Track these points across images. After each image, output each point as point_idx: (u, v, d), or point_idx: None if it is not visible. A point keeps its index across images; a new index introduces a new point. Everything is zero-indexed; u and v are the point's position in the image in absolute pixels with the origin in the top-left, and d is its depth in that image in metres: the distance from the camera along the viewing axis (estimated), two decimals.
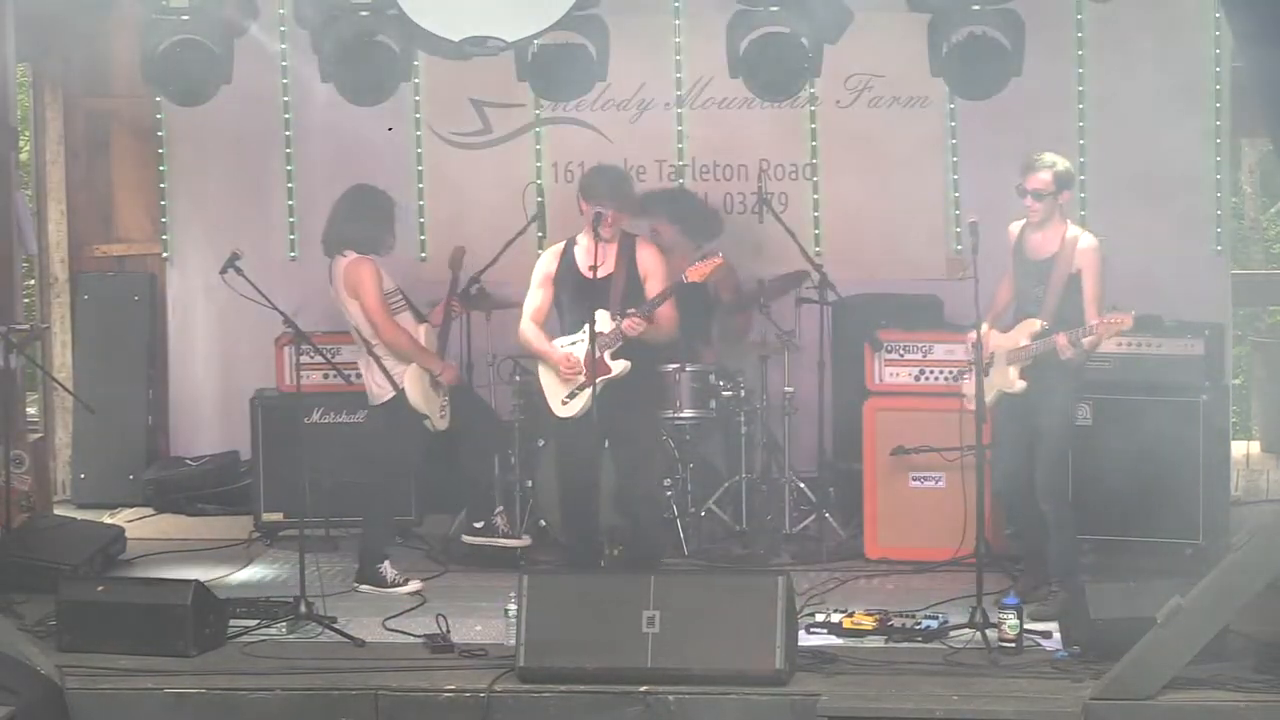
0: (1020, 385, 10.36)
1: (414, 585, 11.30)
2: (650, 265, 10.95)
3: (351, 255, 11.26)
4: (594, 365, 10.69)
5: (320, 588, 10.63)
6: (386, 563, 11.39)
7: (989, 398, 10.50)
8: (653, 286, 10.90)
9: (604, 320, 10.80)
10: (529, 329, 11.06)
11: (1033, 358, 10.39)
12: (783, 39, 11.09)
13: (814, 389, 12.18)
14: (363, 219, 11.36)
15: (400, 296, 11.42)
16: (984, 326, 10.38)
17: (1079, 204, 13.05)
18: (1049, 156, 10.50)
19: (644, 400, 11.07)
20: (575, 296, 10.90)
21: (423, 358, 11.32)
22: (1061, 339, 10.29)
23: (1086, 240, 10.45)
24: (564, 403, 10.91)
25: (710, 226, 12.70)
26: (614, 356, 10.80)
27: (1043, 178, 10.42)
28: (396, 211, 11.52)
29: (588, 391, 10.76)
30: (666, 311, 10.87)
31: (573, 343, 10.91)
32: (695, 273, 10.89)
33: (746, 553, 12.00)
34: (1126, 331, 11.57)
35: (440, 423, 11.40)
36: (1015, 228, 10.64)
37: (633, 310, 10.77)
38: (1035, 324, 10.41)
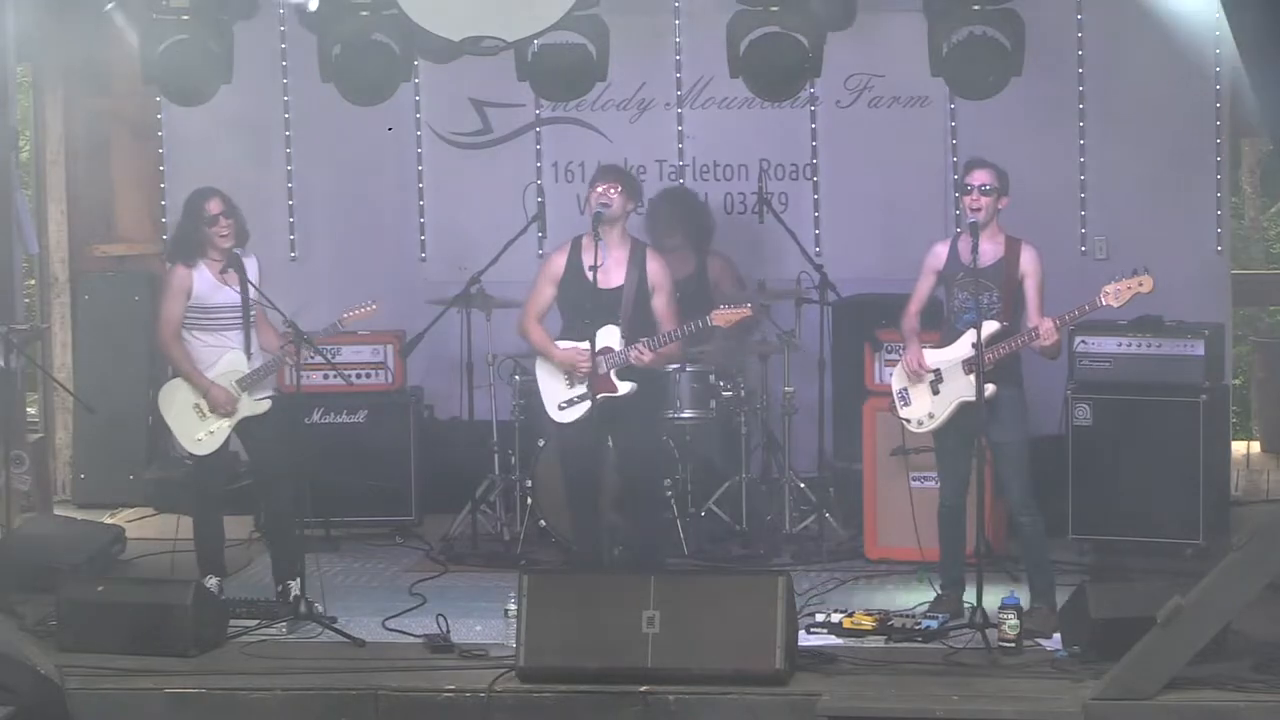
0: (991, 389, 10.29)
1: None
2: (659, 277, 10.90)
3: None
4: (594, 380, 10.67)
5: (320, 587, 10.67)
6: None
7: (949, 411, 10.47)
8: (659, 299, 10.85)
9: (612, 335, 10.75)
10: (535, 326, 10.98)
11: (1003, 359, 10.32)
12: (783, 39, 11.08)
13: (814, 389, 12.18)
14: (177, 230, 11.06)
15: (223, 313, 10.86)
16: (988, 327, 10.34)
17: (1079, 204, 13.09)
18: (987, 160, 10.50)
19: (646, 404, 11.03)
20: (582, 303, 10.80)
21: (192, 377, 10.84)
22: (1048, 324, 10.23)
23: (1031, 247, 10.44)
24: (560, 408, 10.87)
25: (708, 227, 12.68)
26: (620, 375, 10.76)
27: (988, 174, 10.40)
28: (195, 204, 10.86)
29: (588, 403, 10.73)
30: (674, 346, 10.88)
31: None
32: (721, 318, 10.83)
33: (746, 553, 12.00)
34: (1126, 331, 11.65)
35: (197, 447, 10.87)
36: (941, 246, 10.61)
37: (645, 340, 10.73)
38: (994, 325, 10.36)
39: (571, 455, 10.92)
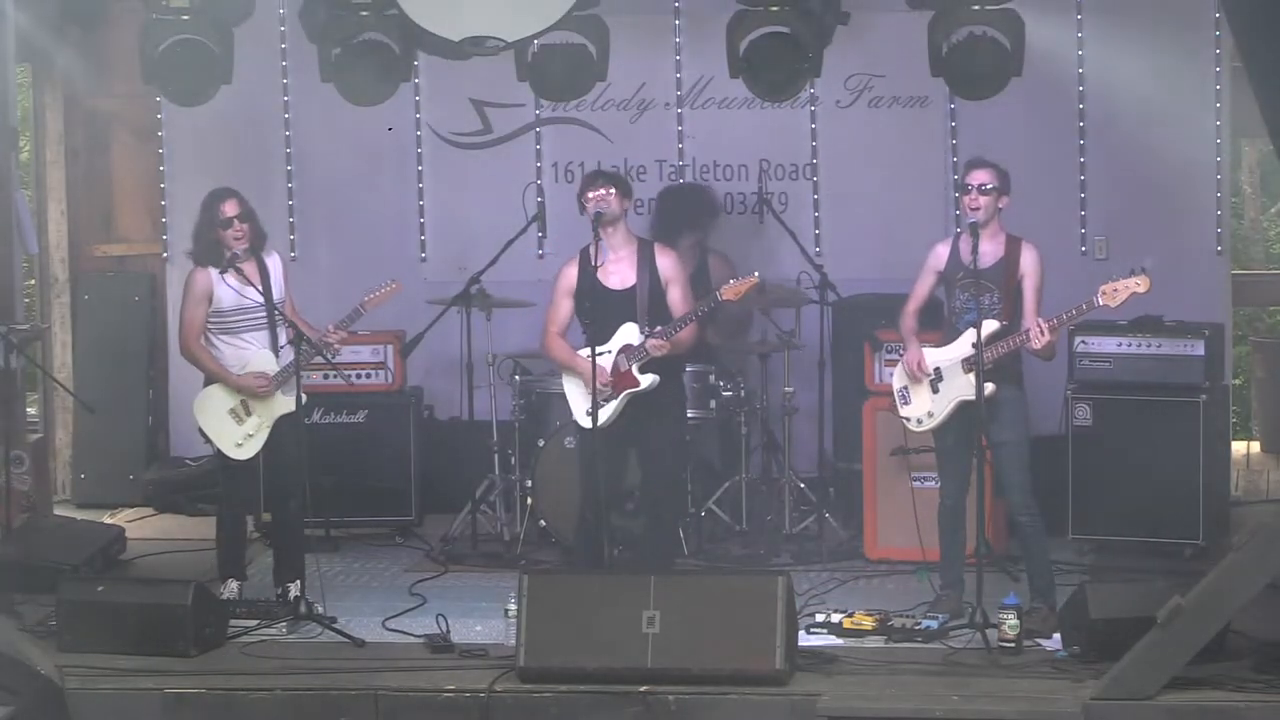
0: (990, 388, 10.28)
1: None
2: (671, 272, 10.88)
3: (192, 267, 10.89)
4: (617, 378, 10.66)
5: (320, 587, 10.67)
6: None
7: (948, 410, 10.46)
8: (675, 293, 10.84)
9: (631, 332, 10.74)
10: (556, 342, 10.95)
11: (1002, 358, 10.32)
12: (783, 39, 11.08)
13: (814, 389, 12.19)
14: (195, 230, 10.89)
15: (246, 315, 10.74)
16: (988, 327, 10.33)
17: (1079, 204, 13.09)
18: (988, 159, 10.50)
19: (670, 406, 10.99)
20: (598, 308, 10.78)
21: (221, 375, 10.73)
22: (1040, 324, 10.20)
23: (1031, 247, 10.43)
24: (589, 414, 10.83)
25: (714, 217, 12.70)
26: (641, 370, 10.76)
27: (988, 173, 10.39)
28: (212, 206, 10.72)
29: (614, 403, 10.72)
30: (688, 329, 10.85)
31: (599, 354, 10.85)
32: (731, 291, 10.78)
33: (746, 553, 12.00)
34: (1126, 331, 11.65)
35: (238, 452, 10.73)
36: (943, 246, 10.60)
37: (660, 329, 10.72)
38: (993, 324, 10.35)
39: (594, 463, 10.87)
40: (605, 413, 10.72)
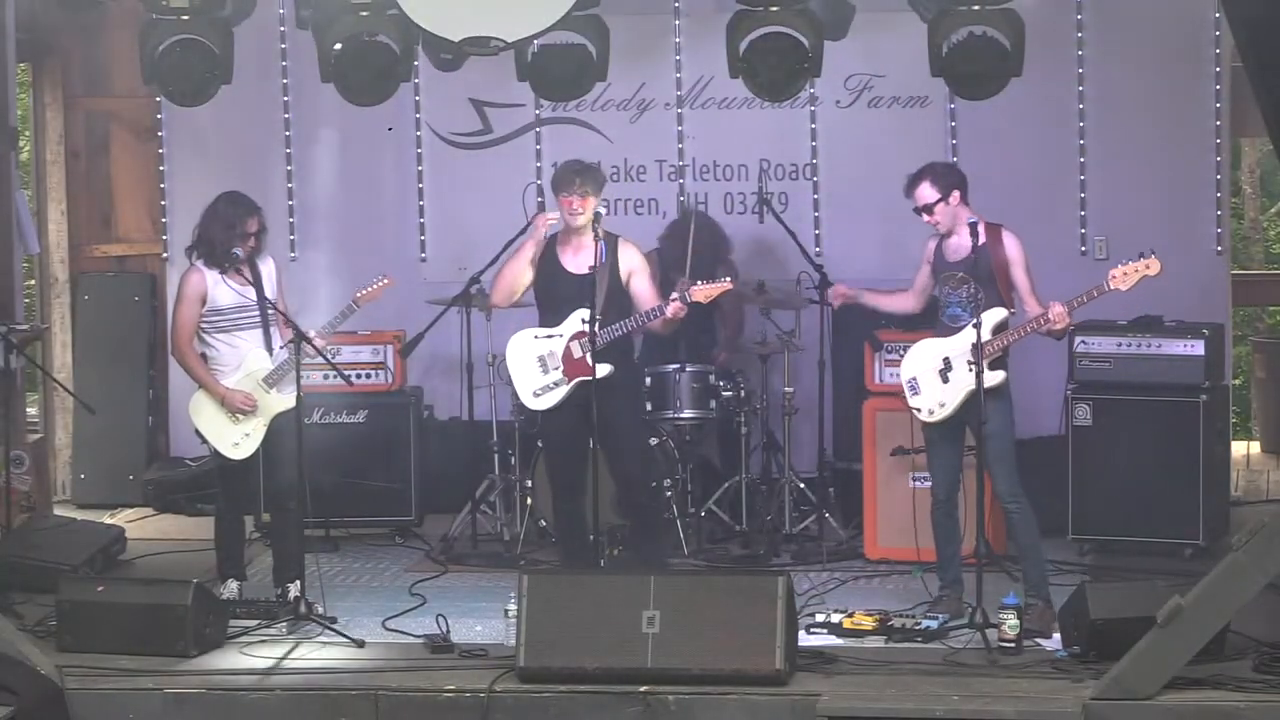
0: (1002, 376, 10.26)
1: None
2: (633, 263, 10.94)
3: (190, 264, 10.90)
4: (569, 364, 10.68)
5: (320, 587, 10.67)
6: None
7: (956, 401, 10.44)
8: (638, 283, 10.89)
9: (582, 319, 10.76)
10: (502, 293, 11.08)
11: (1005, 346, 10.33)
12: (783, 39, 11.09)
13: (814, 389, 12.18)
14: (198, 229, 10.88)
15: (241, 314, 10.75)
16: (996, 315, 10.31)
17: (1079, 204, 13.09)
18: (921, 170, 10.48)
19: (625, 395, 11.01)
20: (555, 292, 10.87)
21: (207, 383, 10.74)
22: (1058, 307, 10.19)
23: (1010, 233, 10.39)
24: (535, 395, 10.88)
25: (724, 254, 12.72)
26: (596, 359, 10.78)
27: (923, 191, 10.39)
28: (236, 215, 10.75)
29: (564, 388, 10.76)
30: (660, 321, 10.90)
31: (549, 336, 10.88)
32: (701, 293, 10.82)
33: (746, 553, 12.01)
34: (1126, 331, 11.65)
35: (234, 451, 10.75)
36: (934, 241, 10.61)
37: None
38: (1001, 313, 10.34)
39: (554, 448, 10.92)
40: (556, 396, 10.75)
